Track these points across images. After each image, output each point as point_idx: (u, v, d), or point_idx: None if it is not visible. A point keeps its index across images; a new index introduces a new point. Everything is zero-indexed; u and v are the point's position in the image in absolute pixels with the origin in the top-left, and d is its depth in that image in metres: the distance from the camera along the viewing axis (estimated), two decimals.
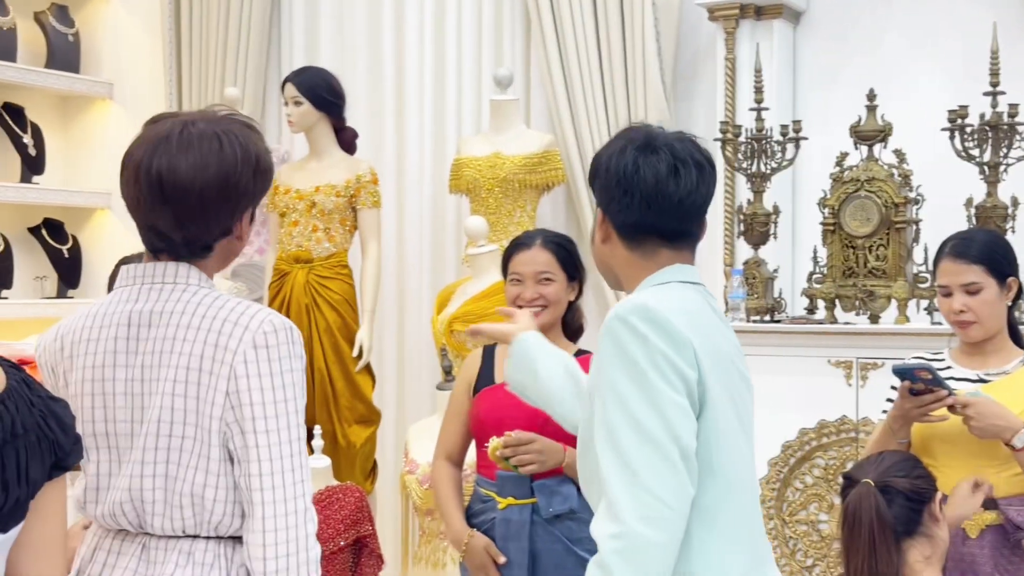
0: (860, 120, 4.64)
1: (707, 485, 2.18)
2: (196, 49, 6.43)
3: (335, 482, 4.28)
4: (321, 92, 5.26)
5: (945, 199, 4.54)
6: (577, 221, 5.60)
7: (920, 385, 3.04)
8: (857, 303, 4.60)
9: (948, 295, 3.20)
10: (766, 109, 4.83)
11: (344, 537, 4.07)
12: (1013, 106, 4.35)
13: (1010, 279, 3.19)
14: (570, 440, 3.22)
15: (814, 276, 4.71)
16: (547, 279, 3.35)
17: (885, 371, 4.22)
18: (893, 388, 3.21)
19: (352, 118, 5.57)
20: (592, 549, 2.16)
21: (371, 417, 5.32)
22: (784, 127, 4.83)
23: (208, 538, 2.16)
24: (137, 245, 2.33)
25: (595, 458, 2.19)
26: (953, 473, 3.08)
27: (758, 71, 4.84)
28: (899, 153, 4.59)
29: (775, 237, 4.89)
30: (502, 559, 3.26)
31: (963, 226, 4.20)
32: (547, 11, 5.52)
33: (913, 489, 2.73)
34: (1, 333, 5.51)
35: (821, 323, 4.61)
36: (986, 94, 4.38)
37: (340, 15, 6.26)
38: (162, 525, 2.16)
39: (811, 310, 4.74)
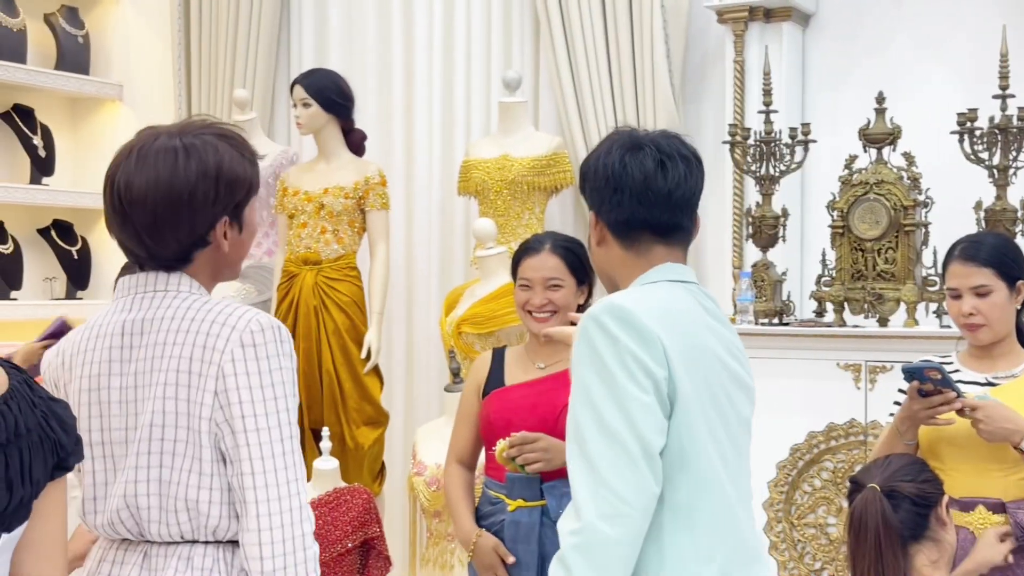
0: (869, 123, 4.63)
1: (679, 483, 2.19)
2: (205, 51, 6.43)
3: (343, 484, 4.28)
4: (330, 94, 5.26)
5: (954, 202, 4.53)
6: (585, 223, 5.57)
7: (929, 386, 3.04)
8: (866, 306, 4.59)
9: (957, 298, 3.20)
10: (775, 112, 4.82)
11: (352, 539, 4.07)
12: (1023, 109, 4.35)
13: (1019, 282, 3.19)
14: None
15: (823, 279, 4.70)
16: (556, 285, 3.36)
17: (894, 374, 4.22)
18: (901, 391, 3.21)
19: (361, 120, 5.57)
20: None
21: (379, 419, 5.32)
22: (793, 130, 4.83)
23: (207, 543, 2.16)
24: None
25: None
26: (961, 476, 3.08)
27: (767, 74, 4.84)
28: (908, 156, 4.59)
29: (784, 240, 4.89)
30: (511, 559, 3.26)
31: (972, 229, 4.19)
32: (556, 13, 5.52)
33: (919, 493, 2.73)
34: (10, 334, 5.52)
35: (830, 326, 4.60)
36: (995, 97, 4.37)
37: (349, 17, 6.27)
38: (159, 532, 2.16)
39: (820, 313, 4.73)
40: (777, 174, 4.83)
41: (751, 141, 4.85)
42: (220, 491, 2.13)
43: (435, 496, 4.54)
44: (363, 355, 5.23)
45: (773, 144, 4.81)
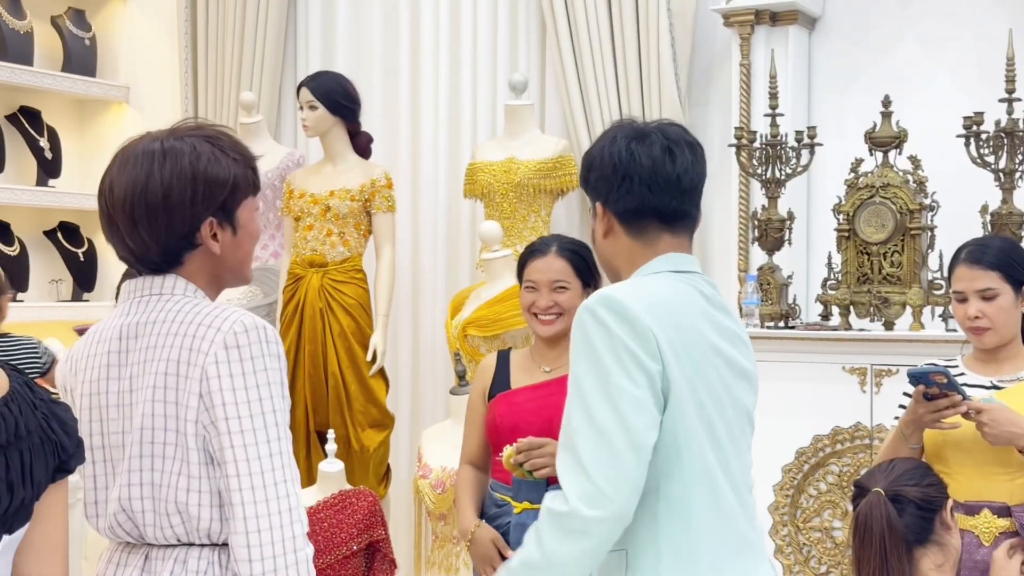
0: (875, 126, 4.63)
1: (673, 476, 2.20)
2: (212, 53, 6.44)
3: (348, 486, 4.28)
4: (336, 97, 5.27)
5: (960, 206, 4.53)
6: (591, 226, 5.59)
7: (935, 389, 3.03)
8: (872, 309, 4.59)
9: (963, 301, 3.20)
10: (781, 115, 4.82)
11: (357, 541, 4.07)
12: None
13: None
14: None
15: (828, 282, 4.70)
16: (562, 287, 3.36)
17: (899, 378, 4.21)
18: (906, 395, 3.21)
19: (367, 122, 5.58)
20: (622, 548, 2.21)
21: (385, 421, 5.32)
22: (799, 133, 4.83)
23: (203, 546, 2.16)
24: None
25: None
26: (966, 480, 3.07)
27: (773, 77, 4.84)
28: (914, 159, 4.58)
29: (790, 243, 4.88)
30: (510, 552, 3.26)
31: (978, 233, 4.19)
32: (562, 16, 5.53)
33: (924, 497, 2.72)
34: None
35: (835, 329, 4.60)
36: (1002, 101, 4.37)
37: (356, 20, 6.28)
38: (155, 535, 2.17)
39: (825, 316, 4.73)
40: (783, 177, 4.83)
41: (757, 144, 4.85)
42: (210, 494, 2.12)
43: (440, 499, 4.55)
44: (369, 357, 5.24)
45: (779, 147, 4.81)
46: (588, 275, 3.40)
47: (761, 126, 4.94)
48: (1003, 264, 3.17)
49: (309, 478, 5.17)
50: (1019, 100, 4.36)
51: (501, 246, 5.08)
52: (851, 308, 4.61)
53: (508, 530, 3.32)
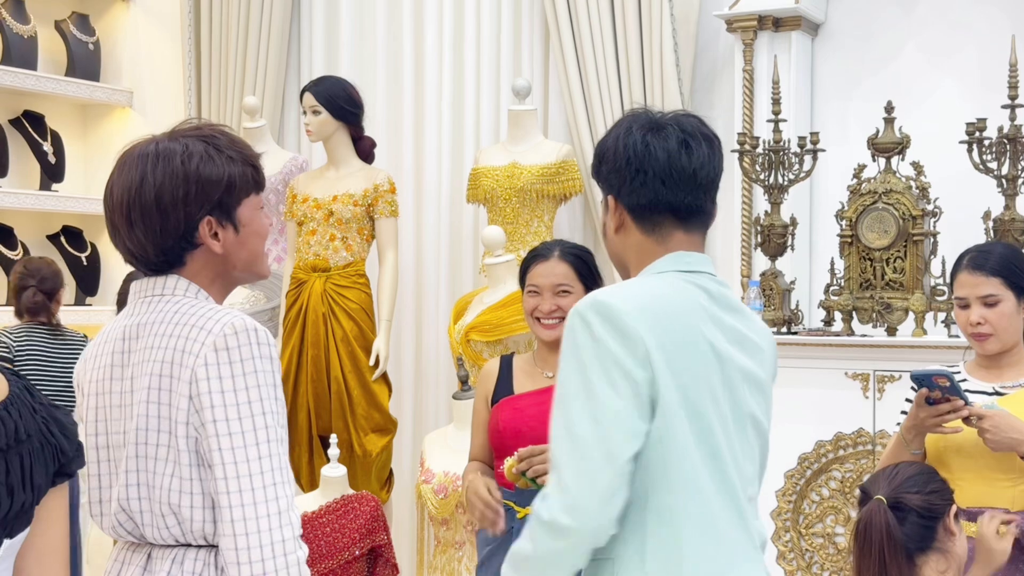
0: (878, 132, 4.64)
1: (661, 486, 2.13)
2: (216, 58, 6.45)
3: (351, 491, 4.29)
4: (339, 101, 5.27)
5: (963, 212, 4.53)
6: (594, 231, 5.60)
7: (937, 393, 3.03)
8: (874, 315, 4.59)
9: (965, 307, 3.20)
10: (784, 121, 4.83)
11: (359, 546, 4.08)
12: None
13: None
14: None
15: (831, 288, 4.70)
16: (565, 291, 3.36)
17: (902, 384, 4.21)
18: (908, 401, 3.21)
19: (371, 127, 5.59)
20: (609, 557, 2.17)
21: (387, 426, 5.32)
22: (802, 139, 4.83)
23: (199, 547, 2.16)
24: None
25: None
26: (968, 486, 3.07)
27: (776, 83, 4.84)
28: (917, 165, 4.59)
29: (792, 249, 4.89)
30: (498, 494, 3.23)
31: (980, 239, 4.19)
32: (565, 21, 5.53)
33: (925, 506, 2.70)
34: None
35: (838, 335, 4.60)
36: (1004, 107, 4.37)
37: (360, 25, 6.28)
38: (154, 535, 2.18)
39: (828, 322, 4.73)
40: (786, 183, 4.84)
41: (760, 150, 4.85)
42: (202, 495, 2.12)
43: (443, 504, 4.55)
44: (371, 362, 5.24)
45: (782, 153, 4.81)
46: (591, 279, 3.41)
47: (764, 132, 4.95)
48: (1005, 270, 3.17)
49: (312, 483, 5.17)
50: (1022, 106, 4.36)
51: (504, 251, 5.09)
52: (854, 314, 4.61)
53: (511, 534, 3.31)
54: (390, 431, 5.33)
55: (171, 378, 2.13)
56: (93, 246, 6.35)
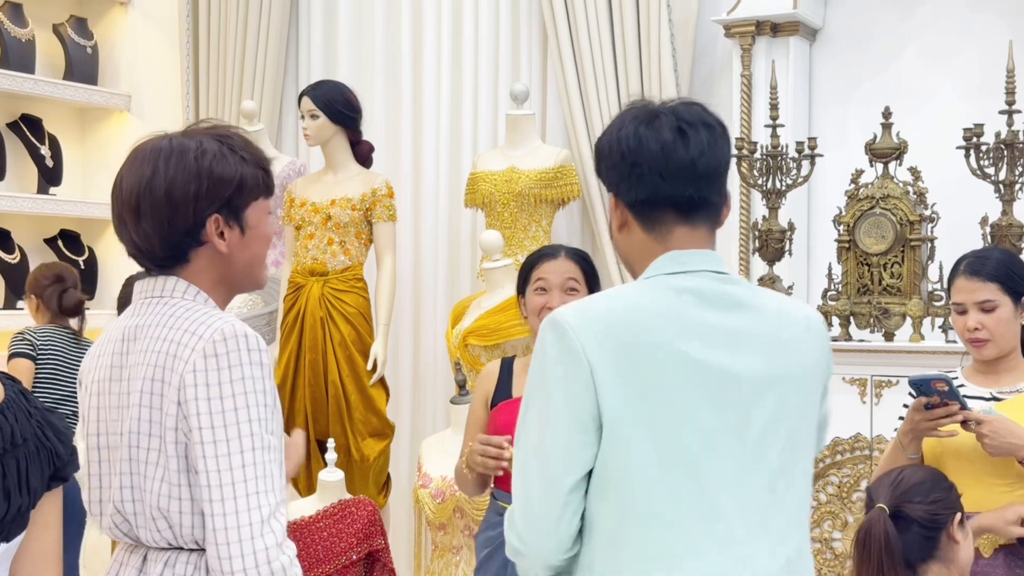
0: (875, 137, 4.64)
1: (603, 510, 2.03)
2: (214, 62, 6.46)
3: (348, 495, 4.28)
4: (338, 106, 5.28)
5: (960, 217, 4.54)
6: (592, 236, 5.60)
7: (935, 399, 3.04)
8: (872, 320, 4.59)
9: (963, 313, 3.20)
10: (781, 126, 4.83)
11: (356, 551, 4.07)
12: None
13: None
14: None
15: (829, 293, 4.70)
16: (573, 288, 3.38)
17: (899, 389, 4.21)
18: (906, 406, 3.21)
19: (369, 132, 5.59)
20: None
21: (385, 431, 5.32)
22: (799, 144, 4.84)
23: (191, 550, 2.17)
24: None
25: None
26: (966, 491, 3.06)
27: (774, 88, 4.84)
28: (914, 171, 4.59)
29: (790, 254, 4.89)
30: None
31: (978, 244, 4.20)
32: (564, 26, 5.54)
33: (927, 516, 2.65)
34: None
35: (835, 340, 4.60)
36: (1002, 112, 4.37)
37: (358, 29, 6.28)
38: (147, 537, 2.18)
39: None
40: (784, 188, 4.84)
41: (758, 155, 4.85)
42: (191, 501, 2.12)
43: (440, 508, 4.54)
44: (369, 367, 5.24)
45: (780, 158, 4.81)
46: (594, 282, 3.44)
47: (762, 137, 4.95)
48: (1003, 276, 3.17)
49: (309, 487, 5.17)
50: (1019, 112, 4.36)
51: (502, 255, 5.09)
52: (851, 319, 4.62)
53: None
54: (388, 435, 5.33)
55: (162, 383, 2.13)
56: (91, 250, 6.35)
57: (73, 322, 5.26)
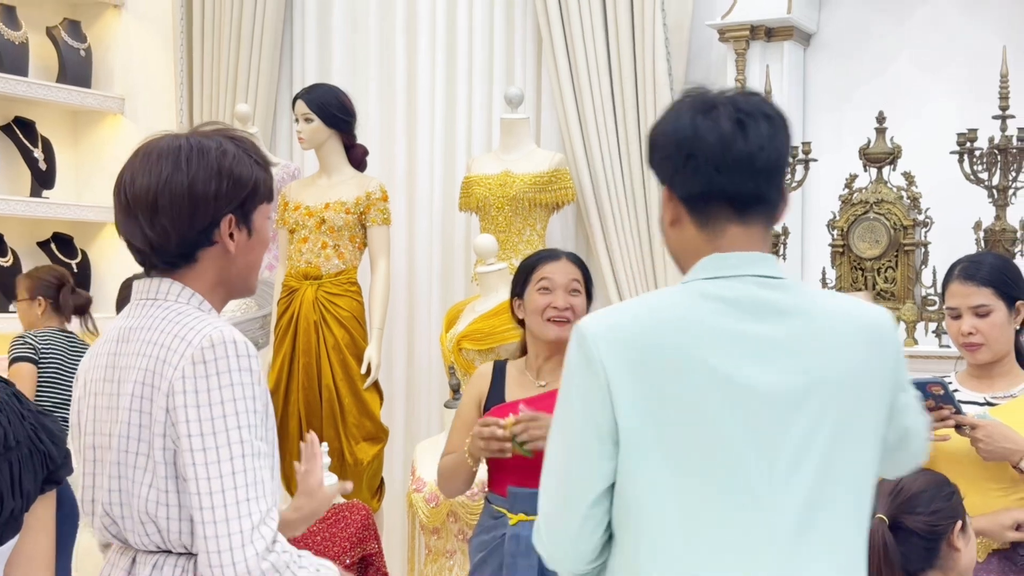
0: (869, 142, 4.64)
1: (622, 523, 1.96)
2: (208, 65, 6.45)
3: (341, 500, 4.28)
4: (332, 109, 5.27)
5: (954, 222, 4.54)
6: (587, 240, 5.60)
7: (931, 402, 3.04)
8: None
9: (957, 317, 3.20)
10: None
11: (350, 555, 4.07)
12: (1022, 130, 4.36)
13: (1019, 303, 3.20)
14: None
15: None
16: (576, 290, 3.40)
17: None
18: None
19: (363, 135, 5.58)
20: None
21: (379, 435, 5.31)
22: (794, 148, 4.83)
23: (180, 554, 2.17)
24: None
25: None
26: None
27: (768, 92, 4.85)
28: (908, 176, 4.60)
29: (784, 258, 4.89)
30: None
31: (971, 249, 4.20)
32: (558, 30, 5.54)
33: (926, 527, 2.61)
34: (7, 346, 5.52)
35: None
36: (995, 117, 4.38)
37: (353, 32, 6.28)
38: (135, 540, 2.18)
39: None
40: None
41: None
42: (179, 507, 2.12)
43: (434, 512, 4.54)
44: (363, 370, 5.23)
45: None
46: (590, 286, 3.46)
47: None
48: (997, 281, 3.18)
49: None
50: (1012, 117, 4.37)
51: (496, 259, 5.08)
52: None
53: (503, 542, 3.32)
54: (381, 439, 5.32)
55: (152, 387, 2.13)
56: (84, 253, 6.34)
57: (76, 323, 5.27)
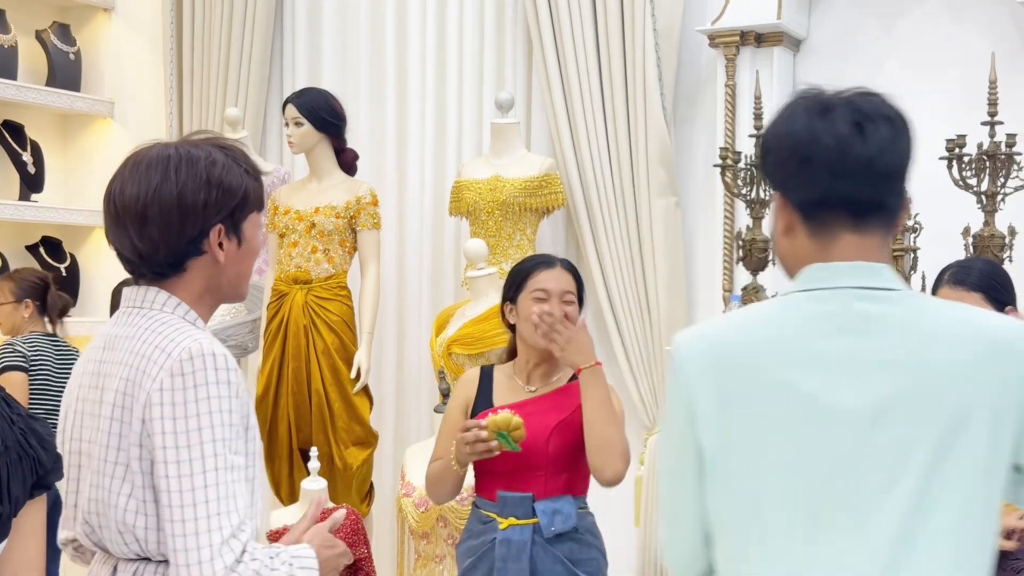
0: None
1: (716, 551, 1.92)
2: (198, 69, 6.44)
3: (331, 504, 4.27)
4: (322, 113, 5.27)
5: (943, 228, 4.55)
6: (577, 244, 5.60)
7: None
8: None
9: None
10: None
11: None
12: (1011, 136, 4.36)
13: (1008, 308, 3.20)
14: (567, 445, 3.24)
15: None
16: (570, 300, 3.40)
17: None
18: None
19: (353, 140, 5.58)
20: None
21: (368, 439, 5.31)
22: None
23: (159, 562, 2.16)
24: None
25: None
26: None
27: (758, 98, 4.85)
28: None
29: (774, 263, 4.89)
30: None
31: (960, 255, 4.21)
32: (549, 35, 5.54)
33: None
34: None
35: None
36: (984, 124, 4.38)
37: (343, 36, 6.28)
38: (115, 549, 2.18)
39: None
40: (767, 198, 4.84)
41: (742, 164, 4.86)
42: (157, 517, 2.12)
43: (423, 517, 4.53)
44: (353, 375, 5.23)
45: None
46: (583, 292, 3.47)
47: (746, 146, 4.95)
48: (986, 286, 3.19)
49: (292, 495, 5.16)
50: (1001, 123, 4.38)
51: (486, 264, 5.08)
52: None
53: (493, 546, 3.31)
54: (371, 444, 5.32)
55: (132, 398, 2.12)
56: (72, 257, 6.32)
57: (58, 327, 5.24)
